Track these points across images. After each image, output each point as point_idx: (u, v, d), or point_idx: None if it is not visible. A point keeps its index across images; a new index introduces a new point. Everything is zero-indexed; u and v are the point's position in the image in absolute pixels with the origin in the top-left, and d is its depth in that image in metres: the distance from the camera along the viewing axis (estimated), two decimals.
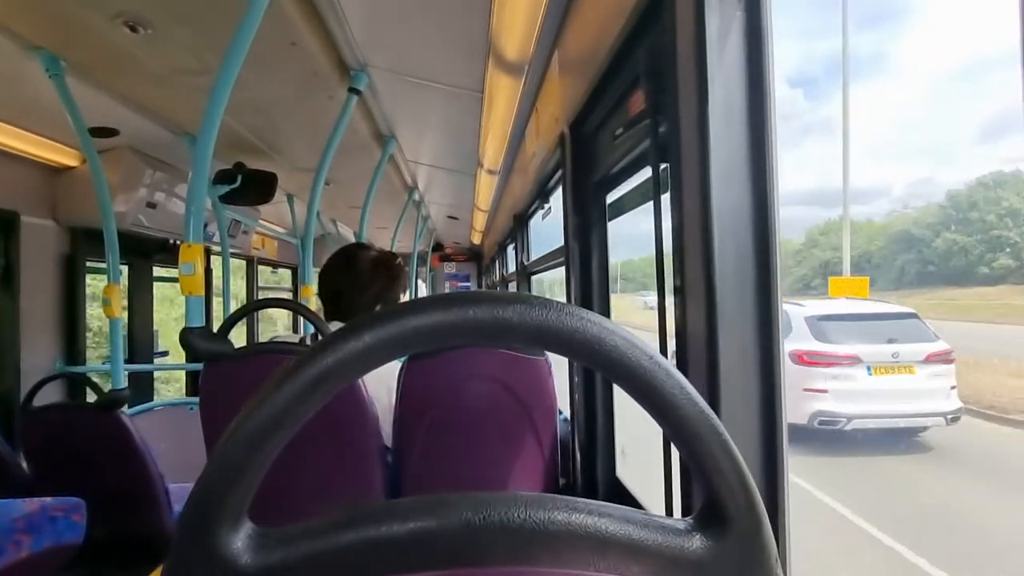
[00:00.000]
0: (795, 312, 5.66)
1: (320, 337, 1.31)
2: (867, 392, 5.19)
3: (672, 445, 0.81)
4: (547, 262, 2.21)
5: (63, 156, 2.52)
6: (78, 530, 1.51)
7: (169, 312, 5.82)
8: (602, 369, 0.26)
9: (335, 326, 1.38)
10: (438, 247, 7.32)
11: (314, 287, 2.05)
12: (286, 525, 0.27)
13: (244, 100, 1.95)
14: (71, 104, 1.84)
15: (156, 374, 3.70)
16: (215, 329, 1.32)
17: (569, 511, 0.26)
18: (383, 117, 2.34)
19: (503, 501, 0.26)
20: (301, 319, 4.63)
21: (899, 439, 5.49)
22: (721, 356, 0.64)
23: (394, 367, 1.36)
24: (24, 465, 1.89)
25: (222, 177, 2.45)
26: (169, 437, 2.32)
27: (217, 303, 3.68)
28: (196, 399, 2.52)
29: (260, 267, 4.72)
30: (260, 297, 4.54)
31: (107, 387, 2.09)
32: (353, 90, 1.89)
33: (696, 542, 0.27)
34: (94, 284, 2.99)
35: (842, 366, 5.26)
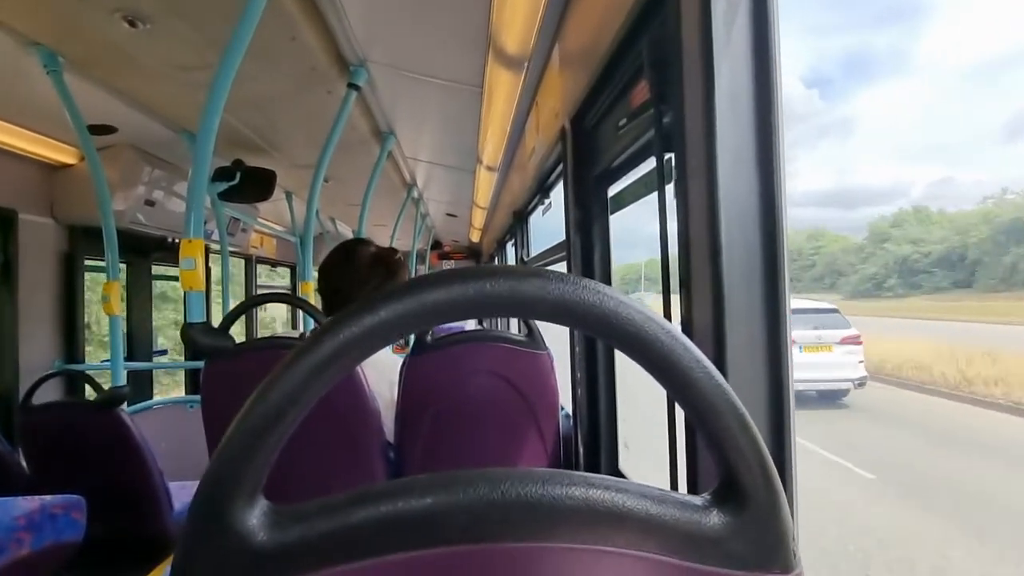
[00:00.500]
0: None
1: None
2: (800, 364, 7.18)
3: (675, 430, 0.81)
4: (548, 258, 2.21)
5: (61, 154, 2.51)
6: (78, 528, 1.51)
7: (169, 317, 5.80)
8: (619, 343, 0.26)
9: None
10: (436, 245, 7.32)
11: (314, 284, 2.04)
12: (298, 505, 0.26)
13: (243, 96, 1.94)
14: (69, 101, 1.83)
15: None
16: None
17: (586, 486, 0.26)
18: (382, 113, 2.34)
19: (519, 477, 0.26)
20: (300, 317, 4.64)
21: (831, 398, 8.73)
22: (729, 349, 0.64)
23: (396, 362, 1.36)
24: (23, 463, 1.88)
25: (221, 174, 2.44)
26: (169, 435, 2.31)
27: (216, 307, 3.67)
28: (196, 397, 2.51)
29: (258, 267, 4.71)
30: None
31: (107, 385, 2.08)
32: (352, 86, 1.89)
33: (713, 518, 0.27)
34: (93, 287, 2.98)
35: None
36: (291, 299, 1.74)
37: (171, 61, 1.73)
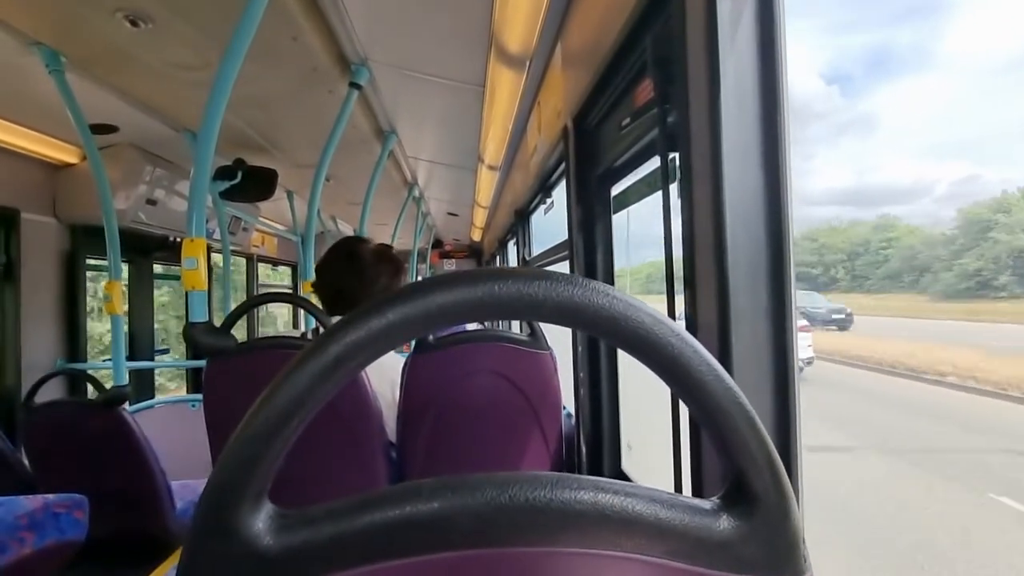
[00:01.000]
0: None
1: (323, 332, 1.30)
2: None
3: (680, 432, 0.81)
4: (549, 257, 2.20)
5: (63, 153, 2.51)
6: (81, 527, 1.51)
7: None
8: (628, 347, 0.26)
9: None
10: (437, 244, 7.31)
11: None
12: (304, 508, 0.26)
13: (244, 95, 1.94)
14: (71, 100, 1.83)
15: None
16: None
17: (595, 491, 0.25)
18: (383, 112, 2.33)
19: (528, 481, 0.26)
20: (302, 316, 4.64)
21: None
22: (734, 349, 0.63)
23: (397, 362, 1.35)
24: (26, 462, 1.88)
25: (222, 173, 2.44)
26: (170, 434, 2.31)
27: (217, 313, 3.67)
28: (198, 396, 2.51)
29: (258, 267, 4.71)
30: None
31: (109, 385, 2.08)
32: (354, 85, 1.88)
33: (723, 522, 0.26)
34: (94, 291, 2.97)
35: None
36: (294, 298, 1.74)
37: (173, 60, 1.72)
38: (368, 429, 1.19)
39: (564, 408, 1.39)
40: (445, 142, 2.84)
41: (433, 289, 0.25)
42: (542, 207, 2.42)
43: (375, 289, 1.39)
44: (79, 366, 2.56)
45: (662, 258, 0.87)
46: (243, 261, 4.56)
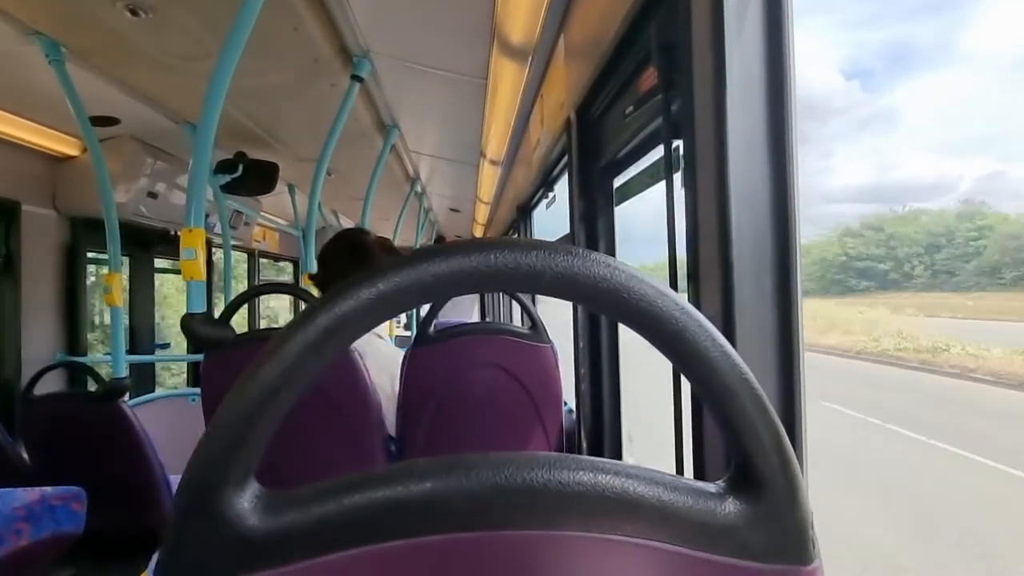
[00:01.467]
0: None
1: None
2: None
3: (681, 417, 0.80)
4: None
5: (64, 145, 2.50)
6: (78, 519, 1.50)
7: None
8: (629, 320, 0.25)
9: None
10: (439, 240, 7.32)
11: None
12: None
13: (245, 87, 1.93)
14: (72, 91, 1.82)
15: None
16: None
17: (595, 472, 0.24)
18: (385, 105, 2.32)
19: (524, 461, 0.24)
20: (303, 308, 4.64)
21: None
22: (739, 341, 0.62)
23: (397, 355, 1.35)
24: (24, 454, 1.88)
25: (223, 167, 2.43)
26: (170, 428, 2.31)
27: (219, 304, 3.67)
28: (197, 390, 2.51)
29: (259, 262, 4.71)
30: None
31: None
32: (355, 77, 1.87)
33: (728, 506, 0.25)
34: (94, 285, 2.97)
35: None
36: (294, 290, 1.73)
37: (173, 51, 1.71)
38: (367, 422, 1.18)
39: (565, 404, 1.38)
40: (447, 136, 2.83)
41: (426, 259, 0.24)
42: (544, 202, 2.40)
43: None
44: (79, 359, 2.56)
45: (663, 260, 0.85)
46: (244, 259, 4.55)
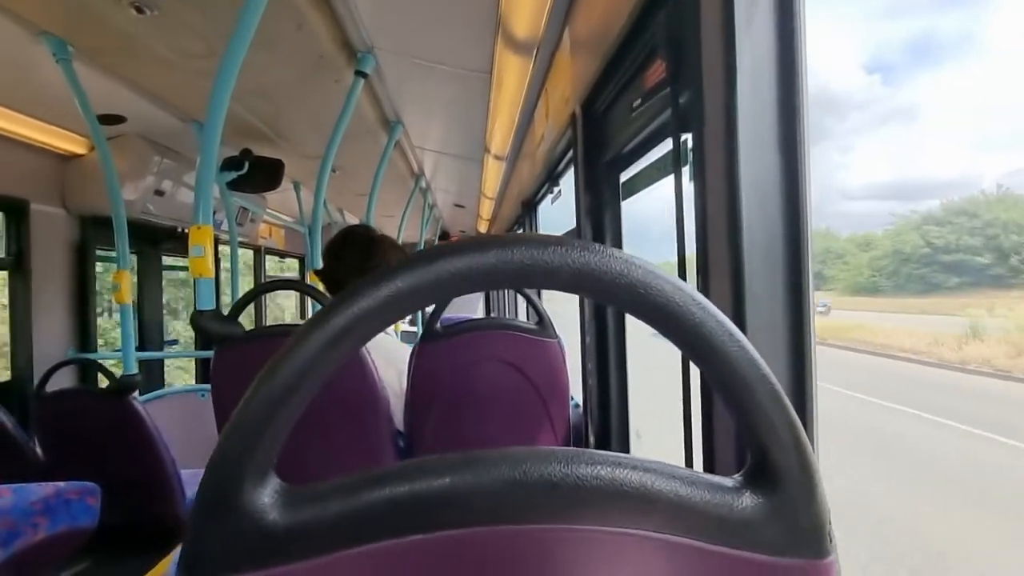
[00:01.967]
0: None
1: None
2: None
3: (691, 413, 0.79)
4: None
5: (72, 144, 2.52)
6: (92, 514, 1.53)
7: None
8: (646, 316, 0.25)
9: None
10: (444, 236, 7.32)
11: None
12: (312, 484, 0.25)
13: (250, 85, 1.93)
14: (79, 90, 1.83)
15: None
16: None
17: (613, 466, 0.24)
18: (389, 101, 2.32)
19: (542, 456, 0.25)
20: (309, 309, 4.66)
21: None
22: (749, 336, 0.61)
23: (405, 351, 1.35)
24: (39, 450, 1.90)
25: (229, 164, 2.44)
26: (180, 423, 2.33)
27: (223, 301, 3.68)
28: (206, 386, 2.53)
29: (265, 259, 4.73)
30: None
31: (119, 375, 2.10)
32: (360, 73, 1.87)
33: (745, 500, 0.25)
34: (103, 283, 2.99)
35: None
36: (303, 286, 1.74)
37: (179, 49, 1.72)
38: (376, 417, 1.18)
39: (572, 399, 1.38)
40: (451, 132, 2.82)
41: (442, 256, 0.24)
42: (549, 197, 2.40)
43: None
44: (90, 355, 2.58)
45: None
46: (251, 256, 4.57)
